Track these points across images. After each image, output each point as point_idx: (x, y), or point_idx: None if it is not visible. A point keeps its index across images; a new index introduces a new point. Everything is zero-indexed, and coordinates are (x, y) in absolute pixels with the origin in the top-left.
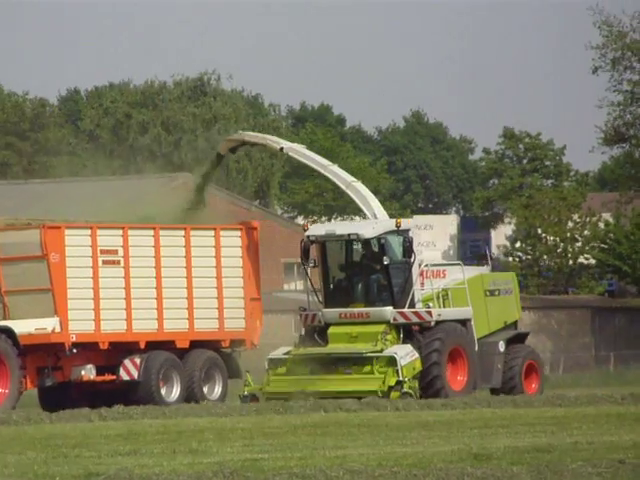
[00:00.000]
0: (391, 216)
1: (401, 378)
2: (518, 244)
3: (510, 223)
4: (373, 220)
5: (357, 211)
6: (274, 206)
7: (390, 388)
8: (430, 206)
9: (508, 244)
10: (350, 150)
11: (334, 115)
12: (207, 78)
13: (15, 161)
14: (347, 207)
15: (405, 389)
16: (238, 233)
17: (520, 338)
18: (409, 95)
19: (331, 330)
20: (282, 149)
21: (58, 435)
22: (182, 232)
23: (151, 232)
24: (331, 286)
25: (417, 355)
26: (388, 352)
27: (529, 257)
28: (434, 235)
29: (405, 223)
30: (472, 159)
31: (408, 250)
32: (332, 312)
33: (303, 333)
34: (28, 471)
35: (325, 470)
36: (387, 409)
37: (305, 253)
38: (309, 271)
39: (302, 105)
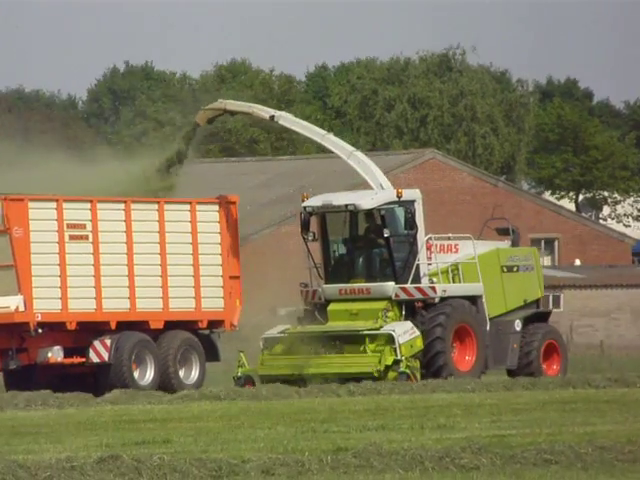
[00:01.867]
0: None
1: (398, 357)
2: None
3: None
4: (373, 190)
5: (590, 187)
6: (521, 182)
7: (387, 368)
8: None
9: None
10: (598, 125)
11: (581, 89)
12: (452, 53)
13: (263, 138)
14: (595, 182)
15: (402, 368)
16: (216, 207)
17: (541, 317)
18: None
19: (331, 307)
20: (273, 117)
21: (307, 410)
22: (155, 206)
23: (122, 205)
24: (332, 261)
25: (418, 333)
26: (385, 329)
27: None
28: None
29: (408, 193)
30: None
31: (410, 222)
32: (332, 288)
33: (304, 311)
34: (278, 445)
35: (574, 446)
36: (636, 385)
37: (305, 226)
38: (309, 245)
39: (549, 80)
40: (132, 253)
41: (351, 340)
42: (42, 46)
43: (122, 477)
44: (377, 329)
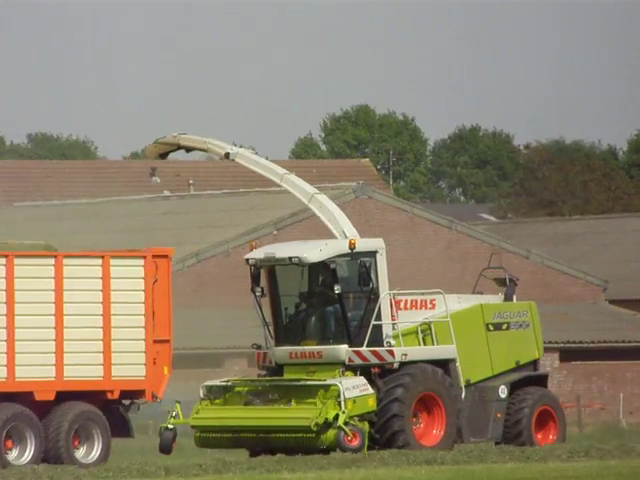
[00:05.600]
0: None
1: (340, 412)
2: None
3: None
4: (323, 241)
5: None
6: None
7: (327, 423)
8: None
9: None
10: None
11: None
12: None
13: None
14: None
15: (339, 422)
16: (140, 262)
17: (537, 381)
18: None
19: (286, 373)
20: (228, 155)
21: None
22: (51, 261)
23: (2, 260)
24: (282, 320)
25: (370, 391)
26: (331, 381)
27: None
28: None
29: (364, 244)
30: None
31: (364, 277)
32: (282, 351)
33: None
34: None
35: None
36: None
37: (255, 280)
38: (260, 301)
39: None
40: (13, 314)
41: (296, 394)
42: (582, 99)
43: None
44: (322, 380)
